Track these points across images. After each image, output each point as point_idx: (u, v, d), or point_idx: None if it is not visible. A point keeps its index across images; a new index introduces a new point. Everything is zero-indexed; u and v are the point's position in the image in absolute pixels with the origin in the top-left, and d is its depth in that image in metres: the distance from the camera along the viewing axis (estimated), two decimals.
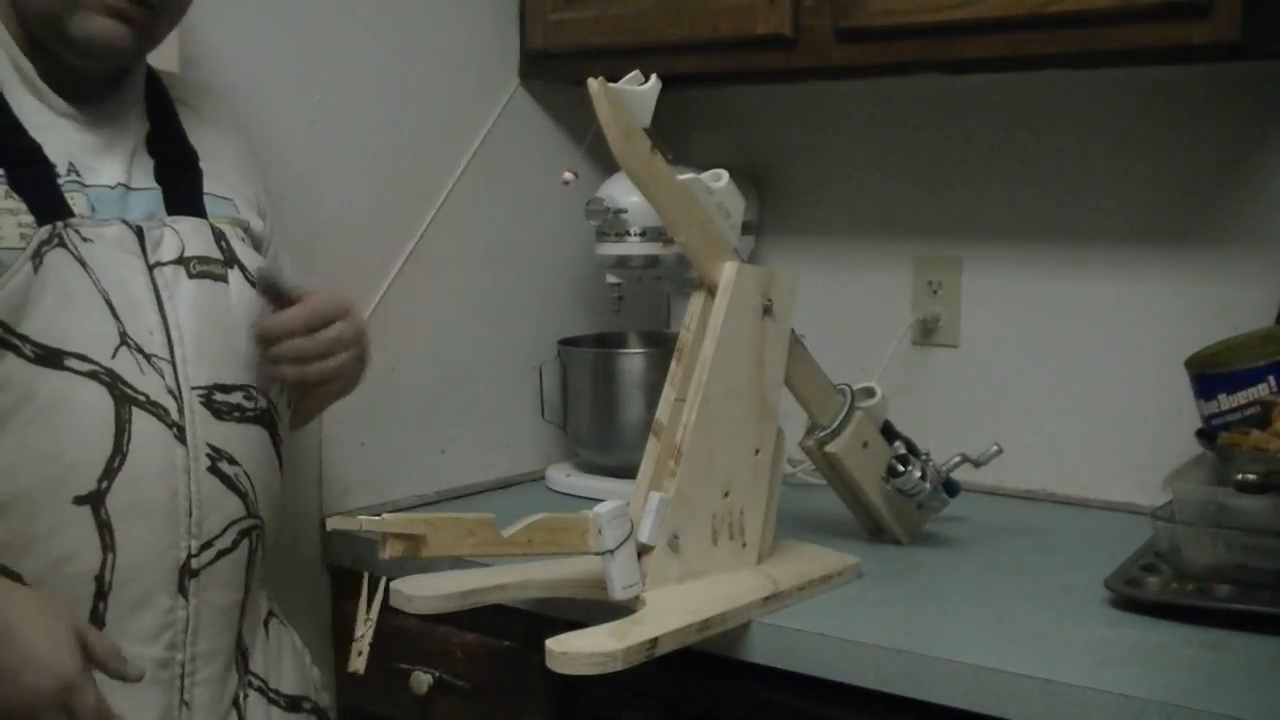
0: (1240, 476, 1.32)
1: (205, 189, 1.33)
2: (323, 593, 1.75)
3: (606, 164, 1.65)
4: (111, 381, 1.19)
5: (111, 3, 1.23)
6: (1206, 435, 1.52)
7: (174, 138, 1.33)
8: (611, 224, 1.82)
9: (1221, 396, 1.52)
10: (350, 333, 1.32)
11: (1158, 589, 1.34)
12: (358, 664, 1.29)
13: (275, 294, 1.30)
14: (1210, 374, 1.54)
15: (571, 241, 1.98)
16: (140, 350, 1.21)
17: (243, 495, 1.28)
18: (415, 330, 1.82)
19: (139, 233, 1.24)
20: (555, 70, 1.91)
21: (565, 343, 1.91)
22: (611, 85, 1.29)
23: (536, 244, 1.97)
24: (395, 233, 1.80)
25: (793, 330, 1.45)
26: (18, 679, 1.08)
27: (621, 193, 1.80)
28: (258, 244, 1.38)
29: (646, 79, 1.33)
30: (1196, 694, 1.12)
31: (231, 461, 1.27)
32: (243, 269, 1.31)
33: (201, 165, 1.34)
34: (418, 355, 1.83)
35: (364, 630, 1.28)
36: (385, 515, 1.24)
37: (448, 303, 1.86)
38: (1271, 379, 1.49)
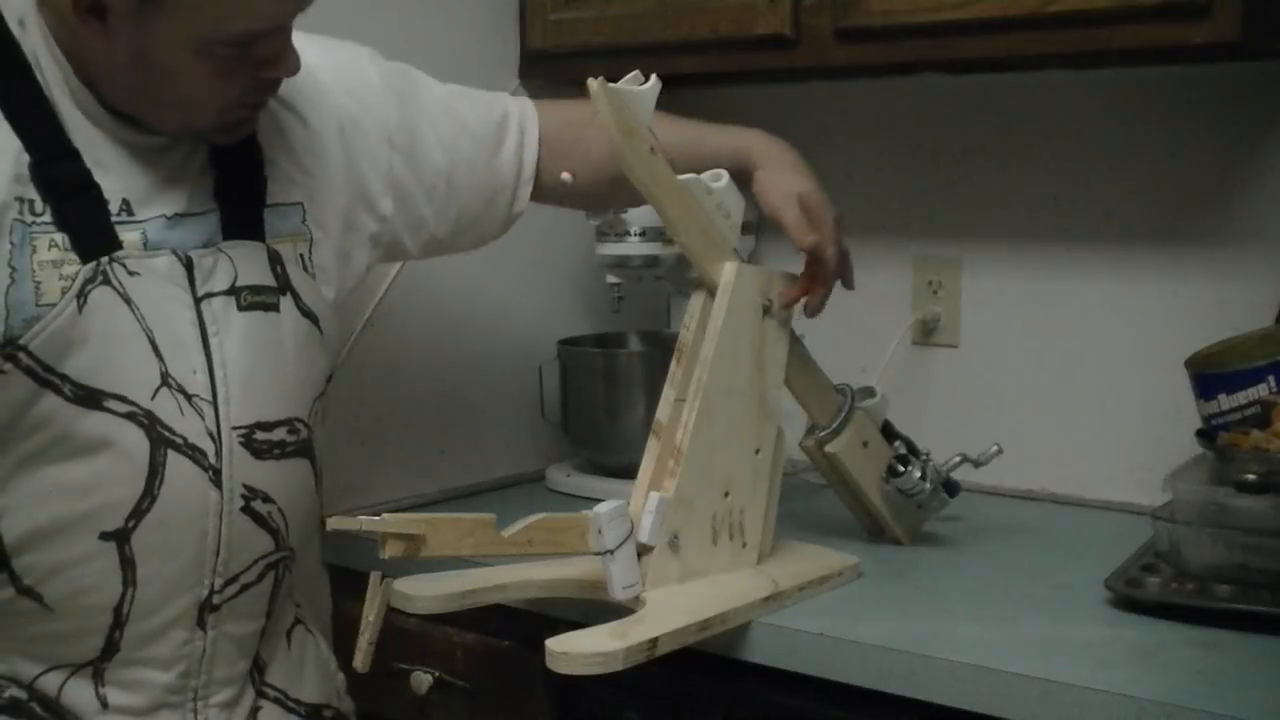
0: (1240, 476, 1.32)
1: (270, 199, 1.27)
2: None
3: None
4: (150, 423, 1.16)
5: (262, 101, 1.21)
6: (1206, 435, 1.52)
7: (242, 142, 1.25)
8: (611, 224, 1.82)
9: (1221, 396, 1.52)
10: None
11: (1158, 589, 1.34)
12: (362, 662, 1.29)
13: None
14: (1210, 374, 1.54)
15: (571, 241, 1.98)
16: (182, 390, 1.17)
17: (274, 532, 1.25)
18: (415, 330, 1.81)
19: (188, 264, 1.19)
20: (555, 70, 1.91)
21: (565, 343, 1.91)
22: (611, 85, 1.29)
23: (536, 244, 1.97)
24: None
25: (793, 330, 1.45)
26: None
27: None
28: (330, 257, 1.33)
29: (646, 79, 1.33)
30: (1196, 694, 1.12)
31: (266, 500, 1.24)
32: (295, 296, 1.27)
33: (268, 169, 1.27)
34: (418, 355, 1.83)
35: (367, 628, 1.28)
36: (385, 515, 1.23)
37: (448, 303, 1.86)
38: (1271, 379, 1.49)
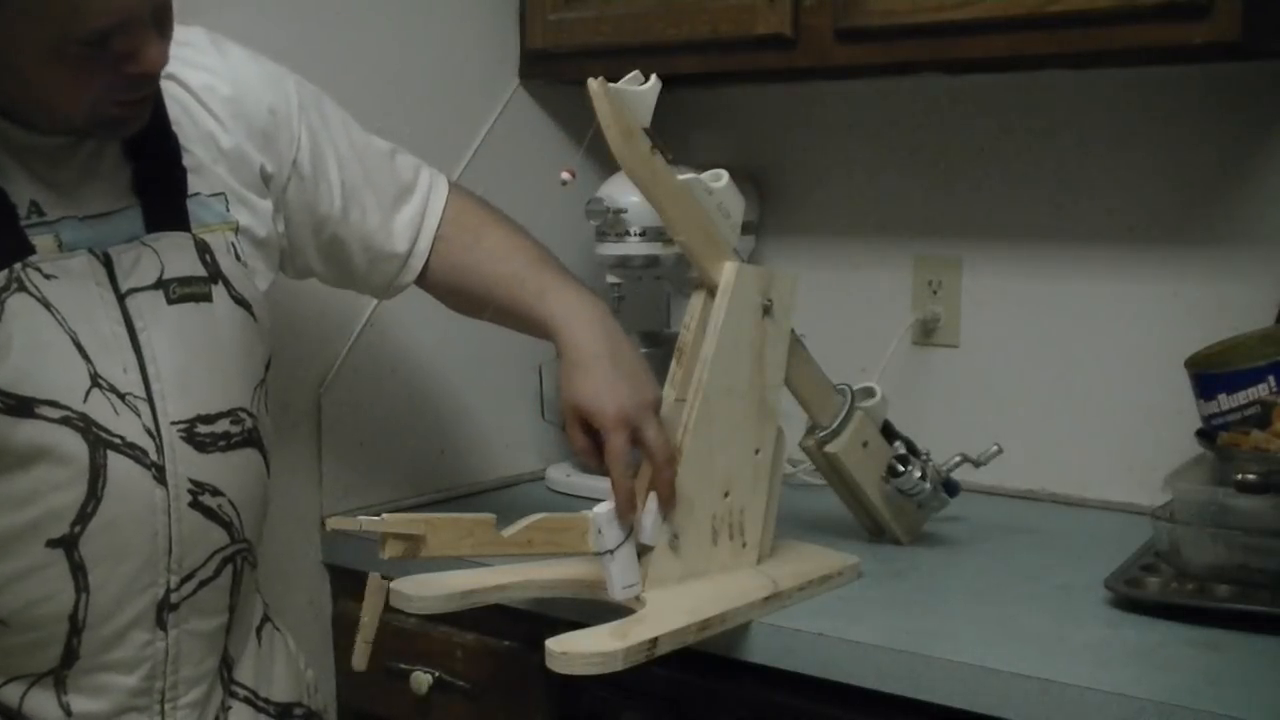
0: (1240, 476, 1.32)
1: (192, 189, 1.24)
2: (323, 593, 1.75)
3: (606, 164, 1.65)
4: (85, 426, 1.14)
5: (137, 97, 1.15)
6: (1206, 435, 1.52)
7: (156, 131, 1.22)
8: (611, 224, 1.82)
9: (1221, 396, 1.52)
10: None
11: (1158, 589, 1.34)
12: (359, 661, 1.29)
13: None
14: (1210, 374, 1.54)
15: (571, 241, 1.97)
16: (114, 390, 1.16)
17: (226, 524, 1.24)
18: (415, 330, 1.81)
19: (107, 261, 1.17)
20: (555, 70, 1.91)
21: None
22: (611, 85, 1.29)
23: None
24: None
25: (793, 330, 1.45)
26: None
27: (621, 193, 1.80)
28: (259, 242, 1.31)
29: (646, 79, 1.33)
30: (1196, 694, 1.12)
31: (215, 493, 1.22)
32: (227, 284, 1.24)
33: (187, 159, 1.24)
34: (418, 355, 1.83)
35: (363, 628, 1.28)
36: (385, 515, 1.23)
37: None
38: (1271, 379, 1.49)
